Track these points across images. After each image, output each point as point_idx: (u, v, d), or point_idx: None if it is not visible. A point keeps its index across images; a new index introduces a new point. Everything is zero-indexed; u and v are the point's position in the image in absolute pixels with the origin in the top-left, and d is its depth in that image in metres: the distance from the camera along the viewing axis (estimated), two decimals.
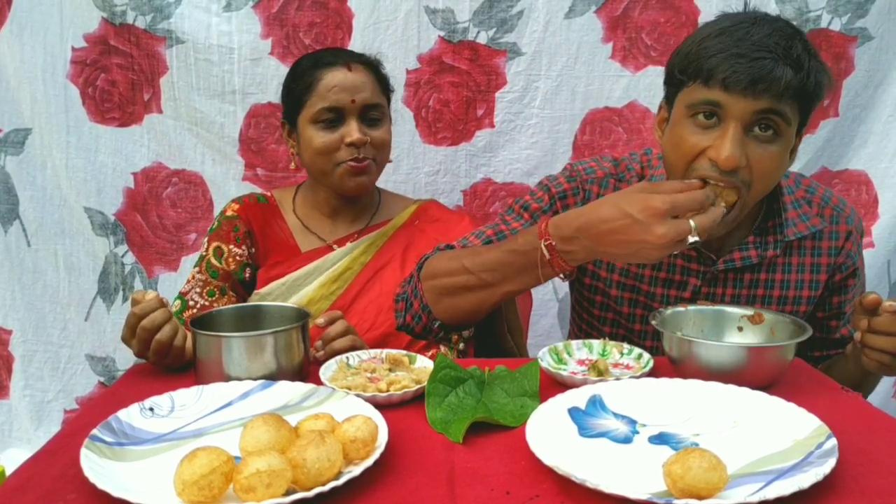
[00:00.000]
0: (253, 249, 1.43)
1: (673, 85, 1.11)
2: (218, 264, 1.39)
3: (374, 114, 1.36)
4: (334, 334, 1.12)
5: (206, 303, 1.37)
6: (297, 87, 1.37)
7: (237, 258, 1.40)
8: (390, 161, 1.49)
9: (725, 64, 1.00)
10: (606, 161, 1.30)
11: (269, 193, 1.50)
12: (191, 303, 1.37)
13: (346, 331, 1.14)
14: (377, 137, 1.36)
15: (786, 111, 1.02)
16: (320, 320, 1.13)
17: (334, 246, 1.42)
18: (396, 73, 1.83)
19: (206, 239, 1.43)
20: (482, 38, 1.83)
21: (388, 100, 1.44)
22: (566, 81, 1.84)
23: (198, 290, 1.38)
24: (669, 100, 1.13)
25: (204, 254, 1.41)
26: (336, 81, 1.33)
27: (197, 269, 1.40)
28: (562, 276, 1.04)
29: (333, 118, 1.34)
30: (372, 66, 1.40)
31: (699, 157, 1.05)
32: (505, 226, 1.26)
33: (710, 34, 1.04)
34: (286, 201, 1.49)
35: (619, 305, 1.29)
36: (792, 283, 1.22)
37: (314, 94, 1.34)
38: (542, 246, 1.01)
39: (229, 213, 1.44)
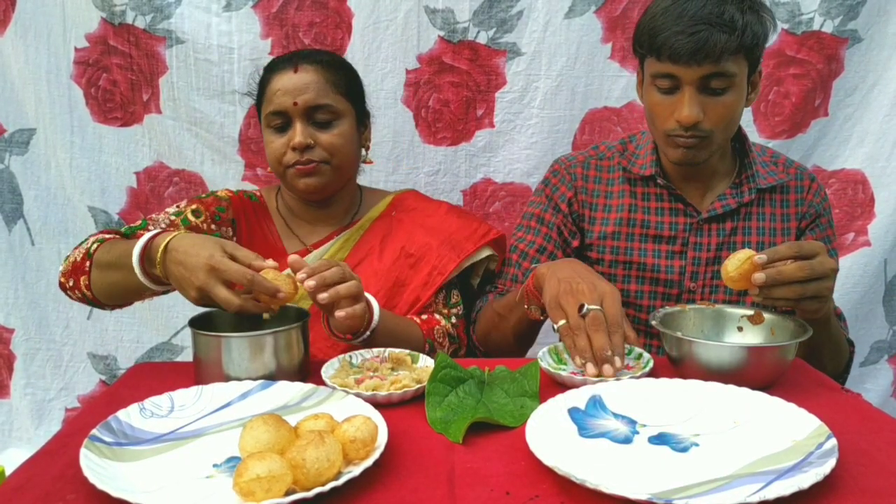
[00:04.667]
0: (234, 239, 1.38)
1: (639, 55, 1.29)
2: (194, 219, 1.32)
3: (321, 115, 1.30)
4: (332, 278, 1.04)
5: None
6: (257, 94, 1.37)
7: (210, 232, 1.34)
8: (370, 162, 1.44)
9: (670, 41, 1.17)
10: (590, 149, 1.46)
11: (259, 192, 1.46)
12: (151, 227, 1.28)
13: (344, 276, 1.06)
14: (326, 140, 1.30)
15: (729, 68, 1.17)
16: (301, 275, 1.03)
17: (311, 248, 1.39)
18: (396, 73, 1.83)
19: (185, 202, 1.36)
20: (482, 38, 1.83)
21: (353, 98, 1.36)
22: (566, 81, 1.84)
23: (163, 225, 1.29)
24: (641, 64, 1.31)
25: (180, 209, 1.33)
26: (280, 85, 1.30)
27: (169, 212, 1.32)
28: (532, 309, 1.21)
29: (282, 122, 1.31)
30: (326, 64, 1.33)
31: (669, 119, 1.23)
32: (523, 243, 1.43)
33: (657, 13, 1.20)
34: (271, 201, 1.45)
35: (614, 269, 1.39)
36: (767, 231, 1.36)
37: (265, 99, 1.33)
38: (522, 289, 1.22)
39: (221, 194, 1.40)
